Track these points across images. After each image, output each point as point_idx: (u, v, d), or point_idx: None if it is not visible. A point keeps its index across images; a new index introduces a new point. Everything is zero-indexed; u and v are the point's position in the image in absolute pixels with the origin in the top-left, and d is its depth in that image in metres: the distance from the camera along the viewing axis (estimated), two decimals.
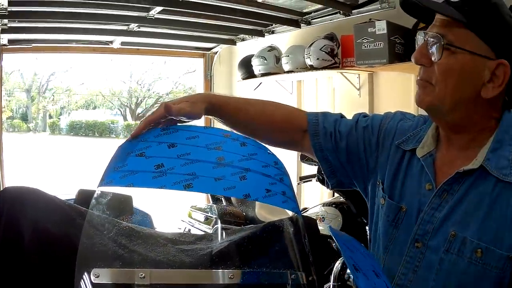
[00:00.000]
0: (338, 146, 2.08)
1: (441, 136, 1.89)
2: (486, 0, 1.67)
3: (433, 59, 1.72)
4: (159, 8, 5.65)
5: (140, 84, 48.02)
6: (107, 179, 1.47)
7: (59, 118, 50.28)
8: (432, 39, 1.72)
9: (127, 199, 3.70)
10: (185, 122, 1.84)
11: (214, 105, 1.96)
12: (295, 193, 1.75)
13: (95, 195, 1.58)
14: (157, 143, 1.53)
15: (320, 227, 4.74)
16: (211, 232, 5.95)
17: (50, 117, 50.31)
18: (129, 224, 1.71)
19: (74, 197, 4.29)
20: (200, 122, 2.01)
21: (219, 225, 6.14)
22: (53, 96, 49.94)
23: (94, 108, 52.43)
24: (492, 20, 1.65)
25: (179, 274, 1.57)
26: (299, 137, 2.15)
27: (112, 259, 1.53)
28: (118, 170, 1.47)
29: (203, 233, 5.98)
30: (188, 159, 1.50)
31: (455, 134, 1.81)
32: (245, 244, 1.72)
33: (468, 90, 1.69)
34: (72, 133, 47.37)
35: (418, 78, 1.81)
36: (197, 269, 1.60)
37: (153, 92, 48.62)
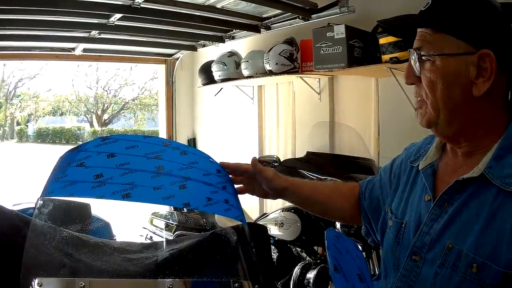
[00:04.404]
0: (365, 197, 2.25)
1: (447, 145, 1.86)
2: None
3: (417, 74, 1.71)
4: (118, 15, 5.61)
5: (106, 90, 47.59)
6: (48, 190, 1.48)
7: (27, 125, 49.63)
8: (412, 56, 1.72)
9: (85, 207, 3.68)
10: (265, 194, 2.20)
11: (293, 185, 2.21)
12: (240, 200, 1.77)
13: (37, 205, 1.58)
14: (96, 153, 1.53)
15: (279, 233, 4.75)
16: (172, 238, 5.93)
17: (18, 124, 49.63)
18: (75, 232, 1.71)
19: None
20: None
21: (164, 233, 6.17)
22: (21, 103, 49.33)
23: (61, 114, 51.77)
24: (458, 14, 1.61)
25: (118, 283, 1.58)
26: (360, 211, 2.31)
27: (56, 268, 1.53)
28: (58, 181, 1.48)
29: (161, 240, 5.97)
30: (127, 169, 1.51)
31: (461, 144, 1.75)
32: (188, 253, 1.72)
33: (457, 93, 1.64)
34: (39, 140, 46.65)
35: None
36: (140, 277, 1.60)
37: (119, 98, 48.20)
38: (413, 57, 1.71)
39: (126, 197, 1.46)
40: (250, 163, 2.13)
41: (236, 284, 1.58)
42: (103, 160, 1.52)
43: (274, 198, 2.25)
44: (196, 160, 1.66)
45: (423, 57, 1.68)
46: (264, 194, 2.22)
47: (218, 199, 1.63)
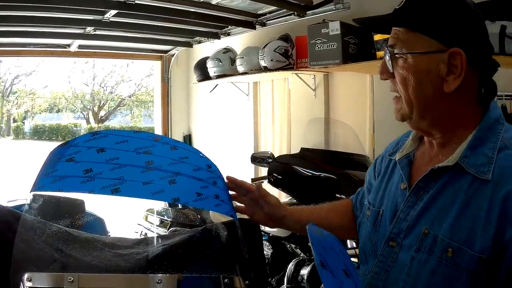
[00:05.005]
0: (357, 207, 2.30)
1: (424, 136, 1.91)
2: None
3: (390, 71, 1.76)
4: (113, 11, 5.61)
5: (103, 87, 47.42)
6: (38, 184, 1.47)
7: (23, 122, 49.46)
8: (386, 53, 1.76)
9: (78, 203, 3.67)
10: (264, 220, 2.21)
11: (291, 213, 2.24)
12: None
13: (27, 201, 1.59)
14: (86, 148, 1.53)
15: (274, 229, 4.74)
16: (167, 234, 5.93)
17: (14, 121, 49.45)
18: (66, 228, 1.71)
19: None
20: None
21: (157, 230, 6.17)
22: (17, 99, 49.13)
23: (58, 111, 51.58)
24: (430, 13, 1.65)
25: (107, 278, 1.57)
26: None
27: (46, 263, 1.53)
28: (48, 176, 1.48)
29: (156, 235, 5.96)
30: (116, 164, 1.51)
31: (434, 136, 1.80)
32: (178, 248, 1.72)
33: (429, 89, 1.69)
34: (36, 137, 46.50)
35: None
36: (130, 273, 1.60)
37: (116, 95, 48.01)
38: (387, 55, 1.75)
39: (115, 192, 1.46)
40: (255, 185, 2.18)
41: (226, 280, 1.58)
42: (92, 155, 1.51)
43: (273, 227, 2.27)
44: (186, 155, 1.66)
45: (396, 55, 1.72)
46: (263, 220, 2.23)
47: (208, 194, 1.63)
